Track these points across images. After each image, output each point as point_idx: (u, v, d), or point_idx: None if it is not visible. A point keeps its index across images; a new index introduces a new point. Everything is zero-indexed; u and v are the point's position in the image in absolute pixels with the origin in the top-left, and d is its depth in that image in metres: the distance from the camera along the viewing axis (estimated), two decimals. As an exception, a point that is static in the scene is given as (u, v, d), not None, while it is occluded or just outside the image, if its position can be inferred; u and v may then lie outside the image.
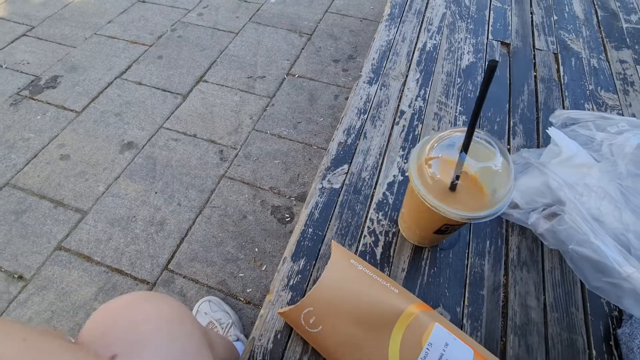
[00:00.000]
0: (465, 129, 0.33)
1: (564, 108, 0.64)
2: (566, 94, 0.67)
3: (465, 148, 0.33)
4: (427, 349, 0.34)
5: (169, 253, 0.96)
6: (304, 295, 0.43)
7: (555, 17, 0.83)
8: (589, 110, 0.64)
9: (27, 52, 1.48)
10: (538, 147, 0.59)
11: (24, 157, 1.15)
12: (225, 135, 1.22)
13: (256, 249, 0.97)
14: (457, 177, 0.35)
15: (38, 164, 1.13)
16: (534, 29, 0.80)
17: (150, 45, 1.52)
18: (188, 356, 0.26)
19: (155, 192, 1.07)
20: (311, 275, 0.45)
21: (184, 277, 0.92)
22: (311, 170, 1.13)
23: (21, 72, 1.41)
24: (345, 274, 0.40)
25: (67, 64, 1.44)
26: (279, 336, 0.41)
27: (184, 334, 0.28)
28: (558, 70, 0.71)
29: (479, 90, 0.25)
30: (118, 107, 1.29)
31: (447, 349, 0.34)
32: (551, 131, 0.48)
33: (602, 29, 0.80)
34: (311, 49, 1.52)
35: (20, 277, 0.91)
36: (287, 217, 1.03)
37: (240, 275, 0.93)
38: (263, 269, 0.94)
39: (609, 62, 0.73)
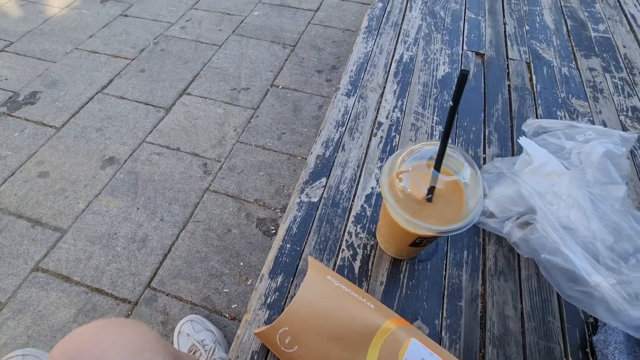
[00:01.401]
0: (436, 142, 0.34)
1: (537, 116, 0.66)
2: (539, 102, 0.68)
3: (437, 165, 0.34)
4: (404, 365, 0.34)
5: (152, 270, 0.94)
6: (282, 313, 0.42)
7: (527, 28, 0.86)
8: (561, 117, 0.66)
9: (6, 68, 1.46)
10: (513, 155, 0.60)
11: (0, 175, 1.12)
12: (209, 148, 1.21)
13: (241, 263, 0.96)
14: (430, 192, 0.35)
15: (15, 183, 1.10)
16: (507, 39, 0.82)
17: (133, 59, 1.51)
18: None
19: (137, 208, 1.05)
20: (289, 292, 0.44)
21: (167, 295, 0.90)
22: (296, 181, 1.13)
23: (-2, 88, 1.38)
24: (321, 291, 0.39)
25: (46, 79, 1.42)
26: (255, 357, 0.40)
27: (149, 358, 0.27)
28: (531, 79, 0.73)
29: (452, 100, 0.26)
30: (99, 122, 1.27)
31: (423, 365, 0.34)
32: (522, 141, 0.48)
33: (571, 38, 0.83)
34: (295, 60, 1.53)
35: (-5, 301, 0.88)
36: (273, 229, 1.02)
37: (225, 290, 0.91)
38: (248, 283, 0.93)
39: (579, 70, 0.75)
